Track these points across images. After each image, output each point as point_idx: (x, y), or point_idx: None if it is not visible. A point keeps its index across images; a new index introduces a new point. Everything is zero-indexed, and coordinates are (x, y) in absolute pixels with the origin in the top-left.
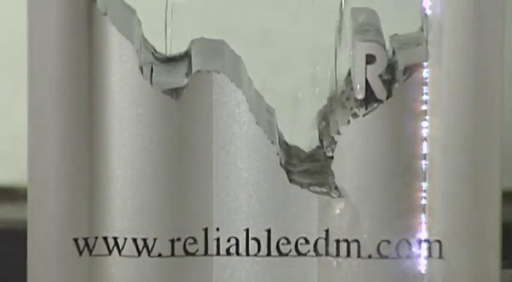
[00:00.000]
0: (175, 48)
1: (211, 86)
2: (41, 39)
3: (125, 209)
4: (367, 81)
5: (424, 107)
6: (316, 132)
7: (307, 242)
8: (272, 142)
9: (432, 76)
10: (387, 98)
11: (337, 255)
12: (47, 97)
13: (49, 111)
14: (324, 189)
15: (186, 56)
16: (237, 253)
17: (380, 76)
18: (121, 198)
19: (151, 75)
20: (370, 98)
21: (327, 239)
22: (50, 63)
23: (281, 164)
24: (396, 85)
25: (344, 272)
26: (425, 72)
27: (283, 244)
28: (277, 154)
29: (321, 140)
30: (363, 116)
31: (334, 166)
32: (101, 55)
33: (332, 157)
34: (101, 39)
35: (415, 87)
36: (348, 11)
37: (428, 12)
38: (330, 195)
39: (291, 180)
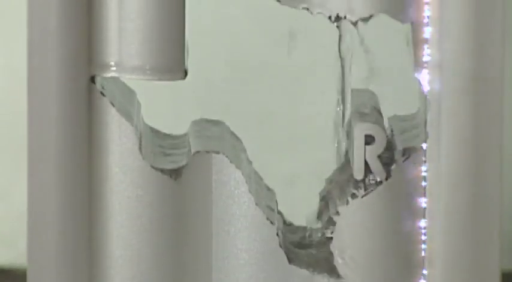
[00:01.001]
0: (175, 128)
1: (210, 167)
2: (40, 120)
3: None
4: (366, 162)
5: (423, 184)
6: (316, 213)
7: None
8: (271, 223)
9: (431, 156)
10: (386, 178)
11: None
12: (47, 178)
13: (48, 191)
14: (324, 274)
15: (185, 136)
16: None
17: (379, 157)
18: (120, 278)
19: (150, 155)
20: (369, 178)
21: None
22: (50, 144)
23: (280, 245)
24: (395, 166)
25: None
26: (424, 153)
27: None
28: (277, 235)
29: (320, 221)
30: (362, 197)
31: (334, 246)
32: (100, 136)
33: (331, 238)
34: (101, 120)
35: (414, 167)
36: (348, 92)
37: (427, 94)
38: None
39: (290, 261)
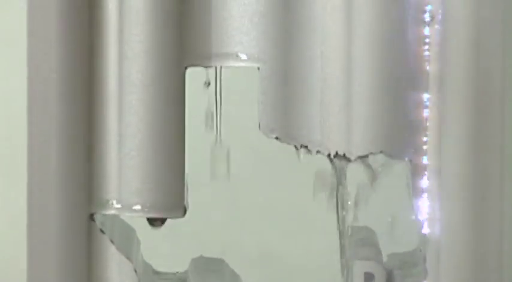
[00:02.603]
0: (175, 266)
1: None
2: (40, 259)
3: None
4: None
5: None
6: None
7: None
8: None
9: None
10: None
11: None
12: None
13: None
14: None
15: (185, 273)
16: None
17: None
18: None
19: None
20: None
21: None
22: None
23: None
24: None
25: None
26: None
27: None
28: None
29: None
30: None
31: None
32: (100, 274)
33: None
34: (100, 258)
35: None
36: (346, 230)
37: (426, 231)
38: None
39: None
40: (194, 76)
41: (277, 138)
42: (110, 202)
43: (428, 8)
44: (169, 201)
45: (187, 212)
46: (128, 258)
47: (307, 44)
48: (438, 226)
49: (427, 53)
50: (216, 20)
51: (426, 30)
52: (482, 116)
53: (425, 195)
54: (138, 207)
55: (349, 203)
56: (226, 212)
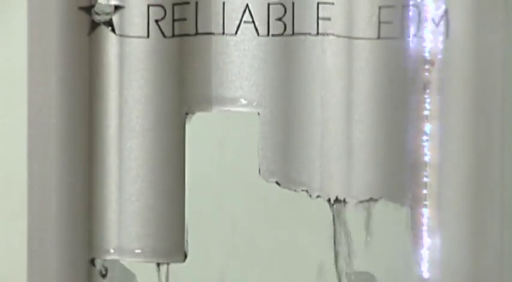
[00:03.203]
0: None
1: None
2: None
3: None
4: None
5: None
6: None
7: None
8: None
9: None
10: None
11: None
12: None
13: None
14: None
15: None
16: None
17: None
18: None
19: None
20: None
21: None
22: None
23: None
24: None
25: None
26: None
27: None
28: None
29: None
30: None
31: None
32: None
33: None
34: None
35: None
36: (347, 273)
37: (426, 276)
38: None
39: None
40: (194, 121)
41: (277, 183)
42: (110, 247)
43: (428, 54)
44: (170, 246)
45: (188, 257)
46: None
47: (307, 89)
48: (439, 271)
49: (427, 96)
50: (216, 65)
51: (426, 75)
52: (482, 160)
53: (425, 240)
54: (138, 251)
55: (349, 248)
56: (227, 256)
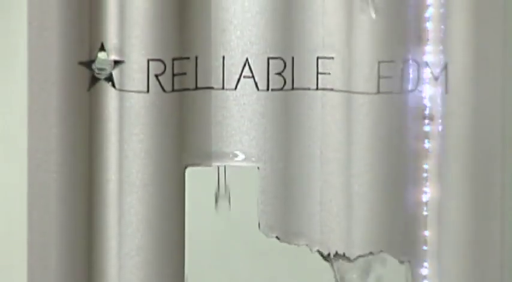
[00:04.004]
0: None
1: None
2: None
3: None
4: None
5: None
6: None
7: None
8: None
9: None
10: None
11: None
12: None
13: None
14: None
15: None
16: None
17: None
18: None
19: None
20: None
21: None
22: None
23: None
24: None
25: None
26: None
27: None
28: None
29: None
30: None
31: None
32: None
33: None
34: None
35: None
36: None
37: None
38: None
39: None
40: (194, 176)
41: (277, 237)
42: None
43: (428, 110)
44: None
45: None
46: None
47: (307, 144)
48: None
49: (426, 149)
50: (215, 120)
51: (426, 128)
52: (481, 217)
53: None
54: None
55: None
56: None
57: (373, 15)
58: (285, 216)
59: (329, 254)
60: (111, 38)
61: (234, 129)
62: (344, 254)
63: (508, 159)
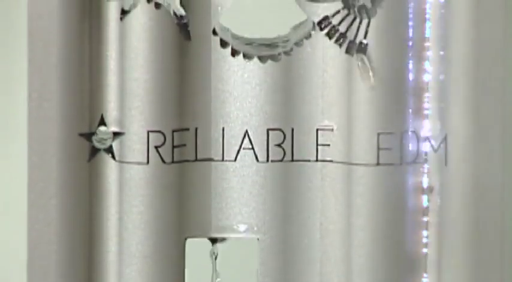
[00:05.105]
0: None
1: None
2: None
3: None
4: None
5: None
6: None
7: None
8: None
9: None
10: None
11: None
12: None
13: None
14: None
15: None
16: None
17: None
18: None
19: None
20: None
21: None
22: None
23: None
24: None
25: None
26: None
27: None
28: None
29: None
30: None
31: None
32: None
33: None
34: None
35: None
36: None
37: None
38: None
39: None
40: (194, 247)
41: None
42: None
43: (427, 181)
44: None
45: None
46: None
47: (307, 215)
48: None
49: (426, 222)
50: (215, 191)
51: (425, 202)
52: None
53: None
54: None
55: None
56: None
57: (372, 81)
58: None
59: None
60: (111, 110)
61: (233, 201)
62: None
63: (508, 235)
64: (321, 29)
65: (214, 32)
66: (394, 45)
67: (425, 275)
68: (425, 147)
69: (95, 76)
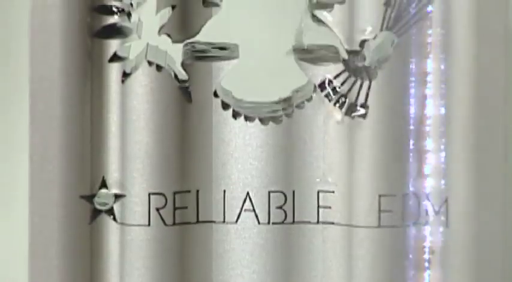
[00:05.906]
0: None
1: None
2: None
3: None
4: None
5: None
6: None
7: None
8: None
9: None
10: None
11: None
12: None
13: None
14: None
15: None
16: None
17: None
18: None
19: None
20: None
21: None
22: None
23: None
24: None
25: None
26: None
27: None
28: None
29: None
30: None
31: None
32: None
33: None
34: None
35: None
36: None
37: None
38: None
39: None
40: None
41: None
42: None
43: (429, 243)
44: None
45: None
46: None
47: (308, 278)
48: None
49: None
50: (216, 253)
51: (427, 263)
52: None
53: None
54: None
55: None
56: None
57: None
58: None
59: None
60: (112, 172)
61: (234, 263)
62: None
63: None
64: (322, 91)
65: (216, 94)
66: (394, 108)
67: None
68: (427, 209)
69: (96, 138)
